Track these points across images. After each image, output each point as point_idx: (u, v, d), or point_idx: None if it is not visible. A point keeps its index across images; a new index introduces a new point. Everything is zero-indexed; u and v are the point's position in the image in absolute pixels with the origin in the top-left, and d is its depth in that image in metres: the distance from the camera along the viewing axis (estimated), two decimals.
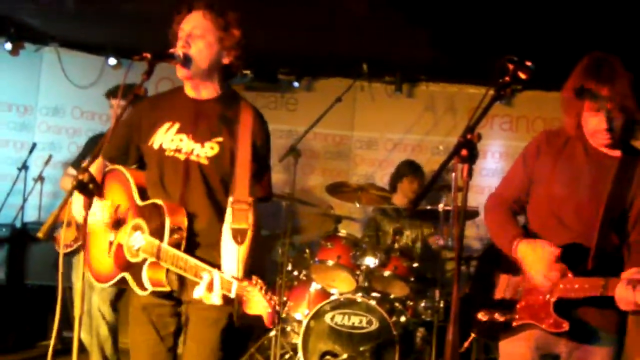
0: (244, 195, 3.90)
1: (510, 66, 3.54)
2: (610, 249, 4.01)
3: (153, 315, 4.14)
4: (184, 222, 3.91)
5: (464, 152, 3.25)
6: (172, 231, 3.85)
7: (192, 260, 3.74)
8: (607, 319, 4.00)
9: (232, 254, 3.88)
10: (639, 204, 4.00)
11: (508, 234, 4.15)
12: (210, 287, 3.66)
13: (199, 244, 3.97)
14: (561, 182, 4.09)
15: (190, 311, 4.10)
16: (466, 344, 4.38)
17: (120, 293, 6.43)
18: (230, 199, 3.97)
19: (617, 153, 4.06)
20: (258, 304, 3.50)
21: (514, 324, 4.10)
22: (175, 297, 4.09)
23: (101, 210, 4.09)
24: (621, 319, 4.05)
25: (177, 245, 3.84)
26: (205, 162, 3.99)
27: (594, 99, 3.86)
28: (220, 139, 4.01)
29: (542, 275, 3.95)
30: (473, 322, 4.30)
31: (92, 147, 6.85)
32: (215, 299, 3.66)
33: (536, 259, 3.97)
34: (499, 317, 4.16)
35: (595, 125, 3.93)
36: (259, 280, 3.55)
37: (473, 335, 4.28)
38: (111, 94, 6.87)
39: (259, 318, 3.91)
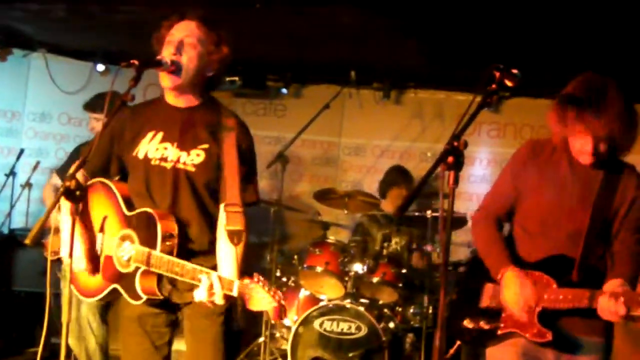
0: (235, 199, 3.91)
1: (497, 74, 3.56)
2: (594, 260, 4.07)
3: (147, 325, 4.13)
4: (175, 229, 3.90)
5: (450, 159, 3.26)
6: (164, 238, 3.83)
7: (189, 265, 3.72)
8: (593, 328, 4.04)
9: (229, 256, 3.88)
10: (622, 215, 4.06)
11: (496, 258, 4.20)
12: (210, 289, 3.65)
13: (190, 250, 3.96)
14: (547, 194, 4.14)
15: (185, 309, 4.10)
16: (452, 351, 4.41)
17: (109, 304, 6.40)
18: (223, 204, 3.97)
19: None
20: (261, 300, 3.49)
21: (499, 332, 4.15)
22: (169, 305, 4.09)
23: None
24: (607, 326, 4.09)
25: (169, 252, 3.82)
26: (192, 169, 3.98)
27: (581, 127, 3.85)
28: (206, 146, 4.00)
29: (517, 311, 4.03)
30: (458, 329, 4.34)
31: (77, 156, 6.84)
32: (217, 300, 3.66)
33: (516, 299, 4.02)
34: (484, 325, 4.21)
35: (580, 147, 3.95)
36: (260, 277, 3.54)
37: (458, 342, 4.29)
38: (88, 107, 6.86)
39: (249, 323, 3.94)
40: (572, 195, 4.09)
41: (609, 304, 3.76)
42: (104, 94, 6.98)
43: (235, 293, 3.56)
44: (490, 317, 4.20)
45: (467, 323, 4.28)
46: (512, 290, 4.03)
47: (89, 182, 4.22)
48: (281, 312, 3.51)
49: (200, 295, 3.68)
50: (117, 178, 4.23)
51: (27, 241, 3.47)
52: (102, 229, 4.11)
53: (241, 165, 3.99)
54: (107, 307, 6.52)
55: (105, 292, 4.03)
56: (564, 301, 3.92)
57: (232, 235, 3.87)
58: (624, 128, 3.85)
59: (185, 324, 4.16)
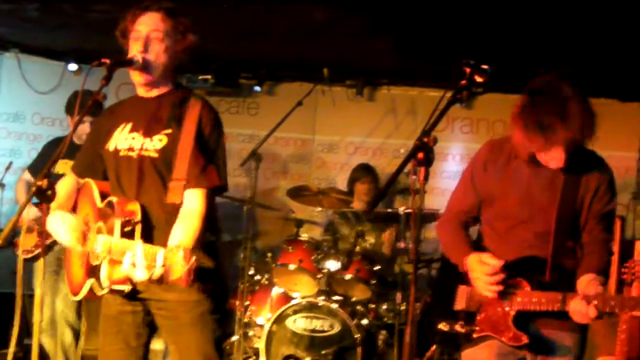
0: (182, 173, 3.89)
1: (467, 70, 3.59)
2: (565, 256, 4.13)
3: (125, 324, 4.12)
4: (136, 213, 3.87)
5: (420, 155, 3.28)
6: (124, 224, 3.80)
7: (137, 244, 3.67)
8: (567, 328, 4.11)
9: (175, 230, 3.84)
10: (588, 204, 4.12)
11: (459, 251, 4.29)
12: (134, 261, 3.58)
13: (156, 234, 3.94)
14: (512, 196, 4.21)
15: (160, 317, 4.11)
16: (428, 354, 4.43)
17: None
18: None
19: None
20: (178, 265, 3.43)
21: (475, 335, 4.20)
22: (144, 302, 4.09)
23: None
24: (581, 328, 4.16)
25: (131, 237, 3.78)
26: (155, 155, 3.97)
27: (551, 145, 3.88)
28: (169, 131, 4.00)
29: (486, 289, 4.08)
30: (434, 332, 4.36)
31: (49, 152, 6.85)
32: (140, 274, 3.57)
33: (480, 273, 4.08)
34: (459, 328, 4.24)
35: (552, 156, 3.97)
36: (183, 247, 3.48)
37: (434, 346, 4.30)
38: (68, 111, 6.91)
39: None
40: (537, 194, 4.16)
41: (581, 306, 3.84)
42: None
43: (159, 264, 3.48)
44: (466, 320, 4.24)
45: (443, 326, 4.30)
46: (478, 271, 4.11)
47: (80, 184, 4.29)
48: (189, 277, 3.43)
49: (124, 267, 3.60)
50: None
51: None
52: None
53: (199, 146, 3.97)
54: (80, 302, 6.51)
55: (85, 288, 3.98)
56: (538, 304, 3.99)
57: (170, 208, 3.89)
58: (588, 126, 3.87)
59: (166, 338, 4.21)
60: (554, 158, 3.98)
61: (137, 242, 3.61)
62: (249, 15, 7.59)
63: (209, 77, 9.73)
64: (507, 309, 4.08)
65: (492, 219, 4.33)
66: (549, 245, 4.10)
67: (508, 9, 6.74)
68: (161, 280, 3.59)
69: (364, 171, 8.86)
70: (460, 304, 4.30)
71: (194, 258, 3.45)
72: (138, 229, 3.84)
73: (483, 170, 4.31)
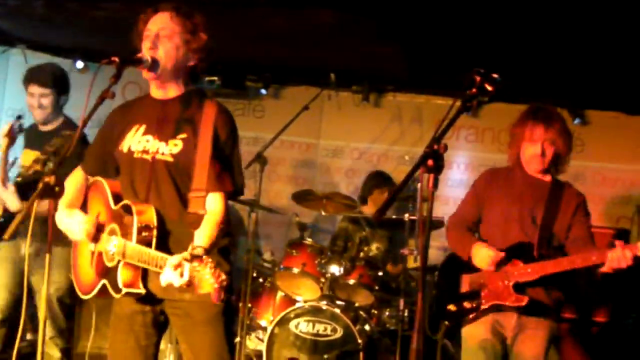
0: (201, 184, 3.91)
1: (477, 78, 3.62)
2: (546, 249, 5.07)
3: (136, 324, 4.15)
4: (153, 220, 3.91)
5: (430, 162, 3.30)
6: (140, 229, 3.85)
7: (153, 252, 3.74)
8: (551, 296, 5.07)
9: (197, 234, 3.87)
10: (570, 217, 5.13)
11: (466, 243, 5.22)
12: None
13: (170, 240, 3.97)
14: (507, 203, 5.18)
15: (173, 315, 4.14)
16: (440, 335, 5.09)
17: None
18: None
19: (548, 178, 5.24)
20: (207, 282, 3.43)
21: (482, 307, 5.07)
22: (157, 303, 4.12)
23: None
24: (558, 299, 5.12)
25: (147, 244, 3.83)
26: (170, 159, 4.00)
27: (532, 133, 5.07)
28: (184, 135, 4.02)
29: (489, 263, 5.05)
30: (444, 312, 5.27)
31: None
32: (176, 280, 3.57)
33: (482, 258, 5.06)
34: (467, 304, 5.15)
35: (531, 152, 5.12)
36: (209, 260, 3.48)
37: (446, 323, 5.27)
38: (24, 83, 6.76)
39: None
40: (526, 203, 5.15)
41: (620, 252, 4.58)
42: (37, 67, 6.91)
43: (186, 277, 3.49)
44: (472, 298, 5.14)
45: (451, 307, 5.22)
46: (482, 254, 5.04)
47: (89, 182, 4.31)
48: (220, 294, 3.45)
49: (162, 276, 3.64)
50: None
51: (5, 236, 3.48)
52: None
53: (218, 154, 4.00)
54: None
55: (97, 288, 4.05)
56: (532, 274, 4.91)
57: (193, 219, 3.87)
58: (564, 138, 5.13)
59: (179, 337, 4.20)
60: (534, 156, 5.13)
61: (169, 258, 3.64)
62: (257, 18, 7.60)
63: (215, 78, 9.72)
64: (506, 282, 4.99)
65: (490, 224, 5.28)
66: (536, 236, 5.05)
67: (515, 19, 6.74)
68: (189, 289, 3.59)
69: (383, 180, 8.82)
70: (465, 287, 5.23)
71: (223, 276, 3.46)
72: (154, 235, 3.87)
73: (484, 187, 5.37)
